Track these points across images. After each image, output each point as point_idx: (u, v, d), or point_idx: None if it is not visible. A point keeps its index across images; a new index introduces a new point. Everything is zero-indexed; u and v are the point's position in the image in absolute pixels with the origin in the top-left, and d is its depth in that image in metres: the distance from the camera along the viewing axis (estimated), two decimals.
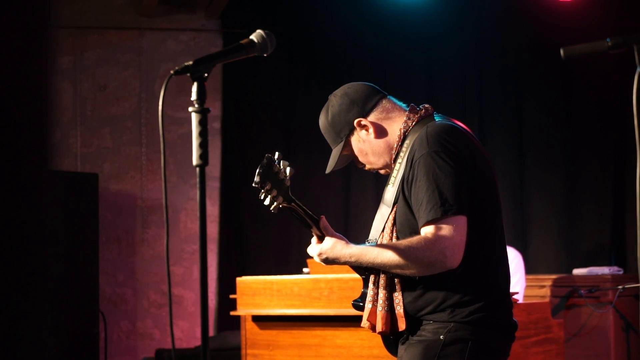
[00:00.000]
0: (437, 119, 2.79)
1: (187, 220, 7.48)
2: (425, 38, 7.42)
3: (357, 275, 2.87)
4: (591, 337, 5.92)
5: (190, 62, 2.06)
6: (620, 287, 5.72)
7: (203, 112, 2.04)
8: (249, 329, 4.78)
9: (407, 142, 2.76)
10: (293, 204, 2.71)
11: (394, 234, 2.72)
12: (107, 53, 7.44)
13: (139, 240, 7.41)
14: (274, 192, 2.65)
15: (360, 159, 2.88)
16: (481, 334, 2.66)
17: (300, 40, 7.51)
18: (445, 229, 2.59)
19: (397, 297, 2.72)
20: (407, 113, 2.82)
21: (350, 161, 2.93)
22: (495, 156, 6.43)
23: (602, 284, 5.92)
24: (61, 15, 7.08)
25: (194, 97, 2.05)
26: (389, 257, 2.62)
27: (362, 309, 2.82)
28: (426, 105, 2.85)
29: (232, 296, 5.00)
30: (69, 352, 6.11)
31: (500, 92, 7.36)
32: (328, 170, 2.89)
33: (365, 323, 2.78)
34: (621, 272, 6.07)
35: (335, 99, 2.87)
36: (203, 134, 2.03)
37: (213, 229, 7.36)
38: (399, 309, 2.71)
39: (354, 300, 2.89)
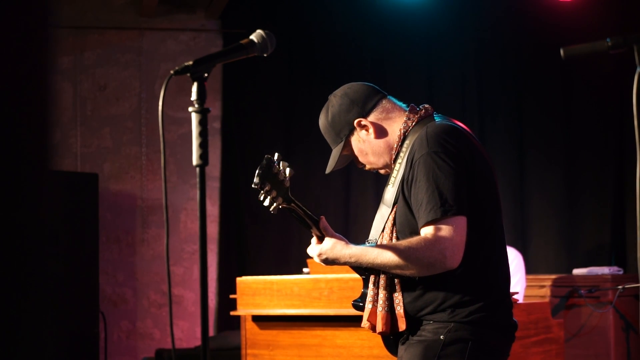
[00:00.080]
0: (437, 119, 2.79)
1: (187, 220, 7.48)
2: (425, 38, 7.42)
3: (357, 276, 2.87)
4: (591, 337, 5.92)
5: (190, 62, 2.06)
6: (620, 287, 5.72)
7: (203, 112, 2.04)
8: (249, 329, 4.78)
9: (407, 142, 2.76)
10: (293, 204, 2.71)
11: (394, 234, 2.72)
12: (107, 53, 7.44)
13: (139, 240, 7.41)
14: (274, 193, 2.65)
15: (360, 159, 2.88)
16: (481, 334, 2.66)
17: (300, 40, 7.51)
18: (445, 230, 2.59)
19: (397, 297, 2.72)
20: (407, 113, 2.82)
21: (350, 161, 2.93)
22: (495, 156, 6.43)
23: (602, 284, 5.92)
24: (61, 15, 7.08)
25: (194, 97, 2.05)
26: (389, 257, 2.62)
27: (362, 309, 2.82)
28: (426, 106, 2.85)
29: (232, 296, 5.00)
30: (69, 352, 6.11)
31: (500, 92, 7.36)
32: (328, 171, 2.89)
33: (365, 323, 2.78)
34: (621, 272, 6.07)
35: (335, 99, 2.87)
36: (203, 134, 2.03)
37: (213, 229, 7.36)
38: (399, 309, 2.71)
39: (354, 301, 2.89)
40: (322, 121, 2.89)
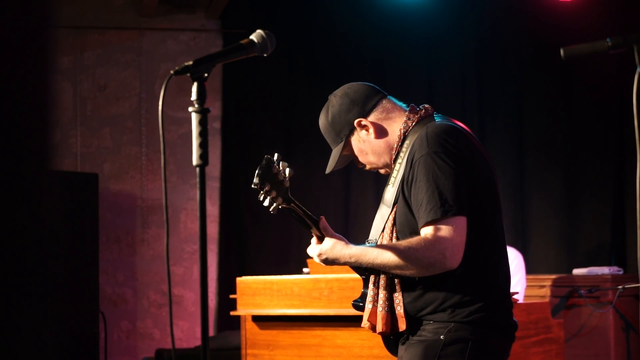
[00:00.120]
0: (437, 119, 2.79)
1: (187, 220, 7.48)
2: (425, 38, 7.42)
3: (357, 276, 2.87)
4: (591, 337, 5.92)
5: (190, 62, 2.06)
6: (620, 287, 5.72)
7: (203, 112, 2.04)
8: (249, 329, 4.78)
9: (407, 142, 2.76)
10: (292, 204, 2.71)
11: (394, 234, 2.72)
12: (107, 53, 7.44)
13: (139, 240, 7.41)
14: (273, 193, 2.65)
15: (360, 159, 2.88)
16: (481, 334, 2.66)
17: (300, 40, 7.51)
18: (445, 230, 2.59)
19: (397, 297, 2.72)
20: (407, 113, 2.82)
21: (350, 161, 2.93)
22: (495, 156, 6.43)
23: (602, 284, 5.92)
24: (61, 15, 7.08)
25: (194, 97, 2.05)
26: (389, 257, 2.62)
27: (362, 309, 2.82)
28: (426, 106, 2.85)
29: (232, 296, 5.00)
30: (69, 352, 6.10)
31: (500, 92, 7.36)
32: (328, 171, 2.89)
33: (365, 323, 2.78)
34: (621, 272, 6.07)
35: (336, 99, 2.87)
36: (203, 134, 2.03)
37: (213, 229, 7.36)
38: (399, 309, 2.71)
39: (354, 301, 2.89)
40: (322, 121, 2.89)
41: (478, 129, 7.16)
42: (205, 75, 2.07)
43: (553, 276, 6.24)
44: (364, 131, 2.83)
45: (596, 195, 6.94)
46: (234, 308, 4.88)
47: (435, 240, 2.58)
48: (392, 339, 2.82)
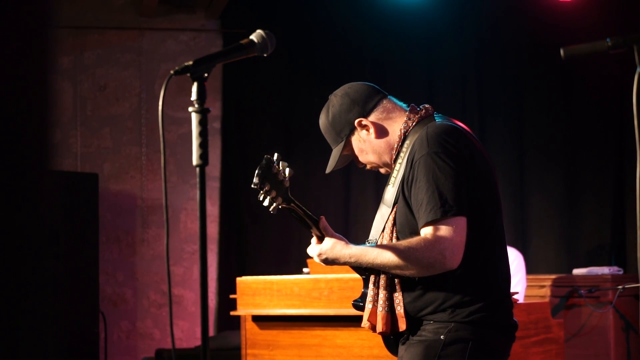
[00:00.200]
0: (437, 119, 2.79)
1: (187, 220, 7.48)
2: (425, 38, 7.42)
3: (357, 275, 2.87)
4: (591, 337, 5.92)
5: (190, 62, 2.06)
6: (620, 287, 5.72)
7: (203, 112, 2.04)
8: (249, 329, 4.78)
9: (407, 142, 2.76)
10: (292, 204, 2.71)
11: (394, 235, 2.72)
12: (107, 53, 7.44)
13: (139, 240, 7.41)
14: (273, 193, 2.65)
15: (361, 158, 2.88)
16: (481, 334, 2.66)
17: (300, 40, 7.51)
18: (445, 230, 2.59)
19: (398, 297, 2.72)
20: (407, 113, 2.82)
21: (350, 161, 2.93)
22: (495, 156, 6.43)
23: (602, 284, 5.92)
24: (61, 15, 7.08)
25: (194, 97, 2.05)
26: (389, 257, 2.62)
27: (362, 309, 2.82)
28: (426, 106, 2.85)
29: (232, 296, 5.00)
30: (69, 352, 6.11)
31: (500, 92, 7.36)
32: (328, 170, 2.89)
33: (365, 323, 2.78)
34: (621, 272, 6.07)
35: (336, 99, 2.87)
36: (203, 134, 2.03)
37: (213, 229, 7.36)
38: (400, 309, 2.71)
39: (354, 300, 2.89)
40: (323, 121, 2.89)
41: (478, 129, 7.16)
42: (205, 75, 2.07)
43: (553, 276, 6.24)
44: (364, 131, 2.83)
45: (596, 195, 6.94)
46: (234, 308, 4.88)
47: (435, 240, 2.58)
48: (392, 339, 2.82)
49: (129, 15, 7.46)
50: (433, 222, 2.59)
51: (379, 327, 2.73)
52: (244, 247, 7.38)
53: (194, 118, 2.03)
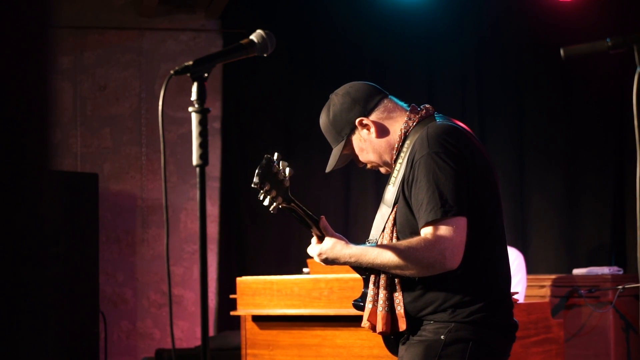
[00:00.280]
0: (437, 119, 2.79)
1: (187, 220, 7.48)
2: (425, 38, 7.42)
3: (357, 275, 2.87)
4: (591, 337, 5.92)
5: (190, 62, 2.06)
6: (620, 287, 5.72)
7: (203, 112, 2.04)
8: (249, 329, 4.78)
9: (407, 142, 2.76)
10: (292, 204, 2.71)
11: (394, 234, 2.72)
12: (107, 53, 7.44)
13: (139, 240, 7.41)
14: (273, 193, 2.65)
15: (361, 158, 2.87)
16: (482, 334, 2.66)
17: (300, 40, 7.51)
18: (445, 230, 2.59)
19: (398, 297, 2.72)
20: (408, 113, 2.82)
21: (350, 161, 2.93)
22: (495, 156, 6.42)
23: (602, 284, 5.92)
24: (61, 15, 7.08)
25: (194, 97, 2.05)
26: (389, 257, 2.62)
27: (362, 308, 2.82)
28: (427, 106, 2.85)
29: (232, 296, 5.00)
30: (69, 352, 6.10)
31: (500, 92, 7.36)
32: (328, 170, 2.89)
33: (365, 323, 2.78)
34: (621, 272, 6.07)
35: (337, 98, 2.87)
36: (203, 134, 2.03)
37: (213, 229, 7.36)
38: (400, 309, 2.71)
39: (354, 300, 2.89)
40: (323, 120, 2.89)
41: (478, 129, 7.16)
42: (205, 75, 2.07)
43: (553, 276, 6.24)
44: (365, 130, 2.83)
45: (596, 195, 6.94)
46: (234, 308, 4.88)
47: (435, 240, 2.58)
48: (392, 338, 2.82)
49: (129, 15, 7.46)
50: (433, 222, 2.59)
51: (379, 327, 2.73)
52: (244, 247, 7.38)
53: (194, 118, 2.03)
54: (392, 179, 2.77)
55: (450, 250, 2.58)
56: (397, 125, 2.81)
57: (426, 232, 2.61)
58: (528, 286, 6.01)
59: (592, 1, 6.86)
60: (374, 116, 2.83)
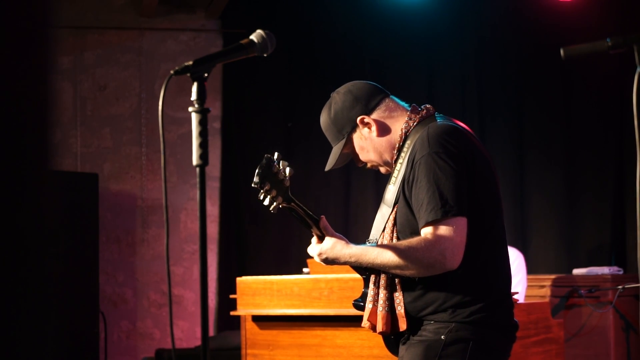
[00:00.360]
0: (438, 119, 2.79)
1: (187, 220, 7.48)
2: (425, 38, 7.42)
3: (357, 275, 2.87)
4: (591, 337, 5.92)
5: (190, 62, 2.06)
6: (620, 287, 5.72)
7: (203, 112, 2.04)
8: (249, 329, 4.78)
9: (408, 142, 2.76)
10: (293, 204, 2.71)
11: (395, 234, 2.72)
12: (107, 53, 7.44)
13: (139, 240, 7.41)
14: (274, 193, 2.65)
15: (361, 156, 2.87)
16: (482, 334, 2.66)
17: (300, 40, 7.51)
18: (446, 230, 2.59)
19: (398, 297, 2.72)
20: (408, 113, 2.82)
21: (350, 160, 2.93)
22: (495, 156, 6.40)
23: (602, 284, 5.92)
24: (61, 15, 7.08)
25: (194, 97, 2.05)
26: (389, 257, 2.62)
27: (363, 308, 2.82)
28: (428, 106, 2.85)
29: (232, 296, 5.00)
30: (69, 352, 6.10)
31: (500, 92, 7.36)
32: (327, 168, 2.89)
33: (365, 323, 2.78)
34: (621, 272, 6.07)
35: (339, 96, 2.87)
36: (203, 134, 2.03)
37: (213, 229, 7.36)
38: (400, 309, 2.71)
39: (354, 300, 2.89)
40: (324, 118, 2.89)
41: (478, 129, 7.16)
42: (205, 75, 2.07)
43: (553, 276, 6.24)
44: (366, 129, 2.82)
45: (596, 195, 6.94)
46: (234, 308, 4.88)
47: (436, 240, 2.58)
48: (392, 338, 2.82)
49: (129, 15, 7.46)
50: (433, 222, 2.59)
51: (379, 326, 2.73)
52: (244, 247, 7.38)
53: (194, 118, 2.03)
54: (393, 178, 2.77)
55: (450, 251, 2.58)
56: (398, 124, 2.81)
57: (426, 232, 2.61)
58: (528, 286, 6.01)
59: (592, 1, 6.86)
60: (375, 115, 2.82)
